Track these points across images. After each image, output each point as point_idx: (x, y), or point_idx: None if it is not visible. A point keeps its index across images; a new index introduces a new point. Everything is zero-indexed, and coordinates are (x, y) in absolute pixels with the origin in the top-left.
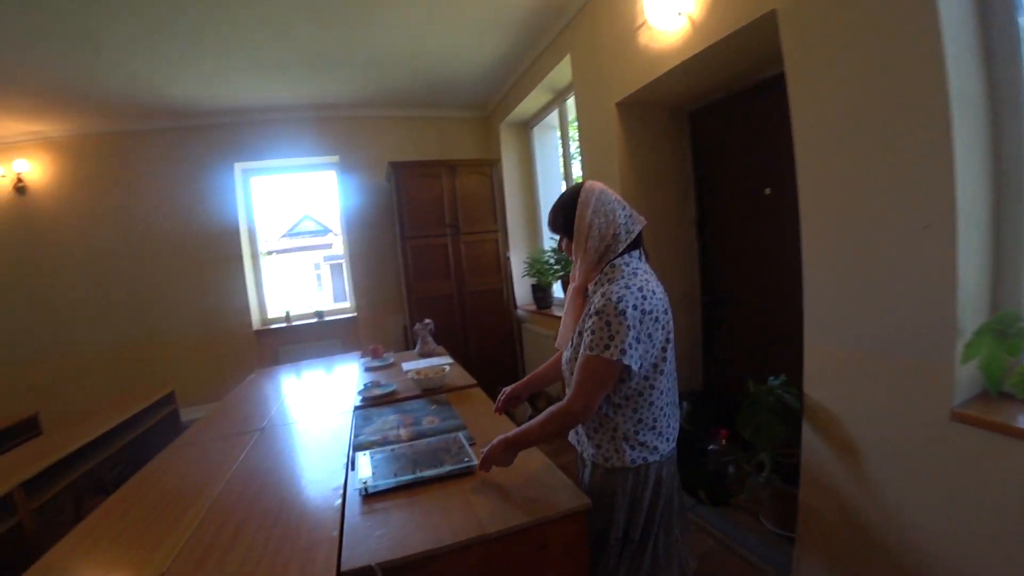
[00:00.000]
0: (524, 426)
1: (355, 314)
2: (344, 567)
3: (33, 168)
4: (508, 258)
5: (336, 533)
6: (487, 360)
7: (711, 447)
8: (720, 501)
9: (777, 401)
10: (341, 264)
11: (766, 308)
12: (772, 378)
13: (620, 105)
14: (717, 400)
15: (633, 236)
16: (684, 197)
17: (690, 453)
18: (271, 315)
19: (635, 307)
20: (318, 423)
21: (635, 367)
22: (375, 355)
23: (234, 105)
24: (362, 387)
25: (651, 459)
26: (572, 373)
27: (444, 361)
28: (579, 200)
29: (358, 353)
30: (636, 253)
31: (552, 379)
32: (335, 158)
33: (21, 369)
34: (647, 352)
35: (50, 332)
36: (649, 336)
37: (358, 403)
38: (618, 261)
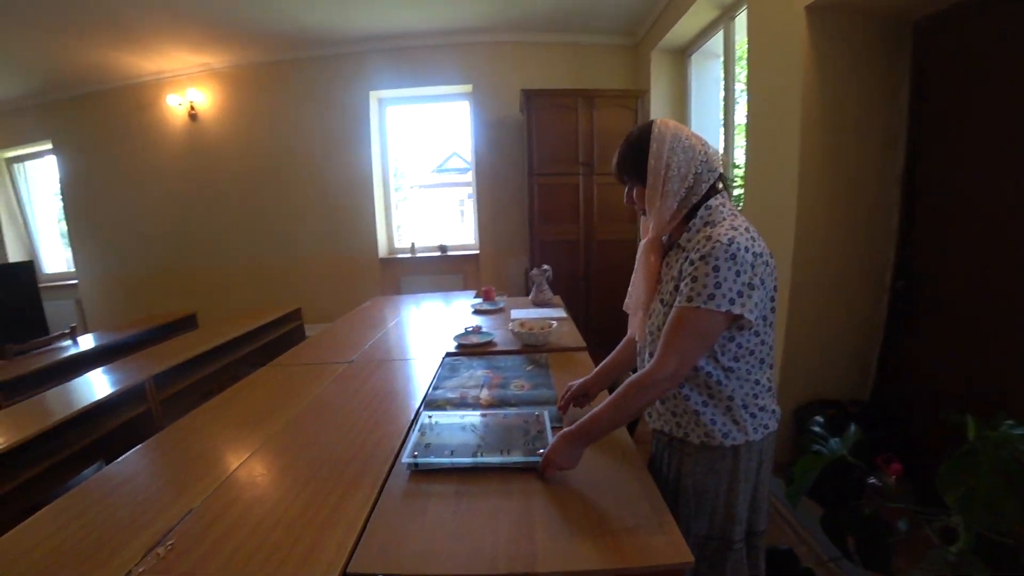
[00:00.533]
0: (590, 414)
1: (478, 251)
2: (351, 568)
3: (204, 97)
4: None
5: (363, 515)
6: (607, 320)
7: (871, 480)
8: (876, 563)
9: (1013, 459)
10: None
11: (996, 309)
12: (1010, 423)
13: (811, 9)
14: (890, 419)
15: (715, 176)
16: (890, 144)
17: (844, 484)
18: (398, 245)
19: (747, 249)
20: (408, 364)
21: (751, 317)
22: (486, 297)
23: (369, 32)
24: (462, 331)
25: (772, 426)
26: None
27: (554, 314)
28: (652, 136)
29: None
30: (725, 195)
31: (627, 366)
32: (468, 87)
33: (188, 272)
34: (761, 301)
35: (210, 243)
36: (762, 282)
37: (451, 349)
38: (713, 202)
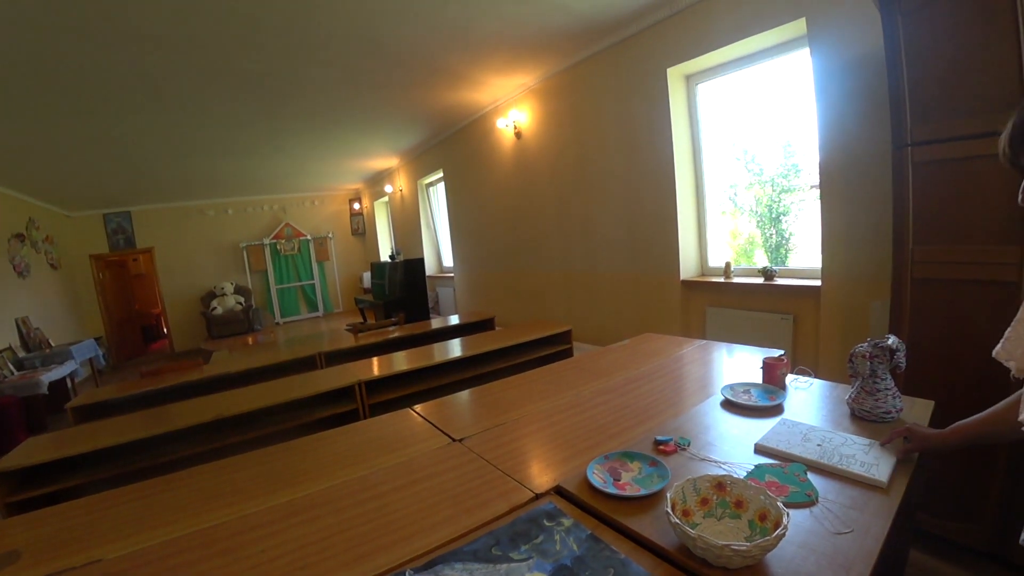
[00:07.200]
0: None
1: (819, 283)
2: None
3: (524, 115)
4: None
5: None
6: None
7: None
8: None
9: None
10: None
11: None
12: None
13: None
14: None
15: None
16: None
17: None
18: (712, 264)
19: None
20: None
21: None
22: (769, 376)
23: None
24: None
25: None
26: None
27: (871, 459)
28: None
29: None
30: None
31: (995, 438)
32: (800, 24)
33: (513, 277)
34: None
35: (526, 251)
36: None
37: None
38: None
